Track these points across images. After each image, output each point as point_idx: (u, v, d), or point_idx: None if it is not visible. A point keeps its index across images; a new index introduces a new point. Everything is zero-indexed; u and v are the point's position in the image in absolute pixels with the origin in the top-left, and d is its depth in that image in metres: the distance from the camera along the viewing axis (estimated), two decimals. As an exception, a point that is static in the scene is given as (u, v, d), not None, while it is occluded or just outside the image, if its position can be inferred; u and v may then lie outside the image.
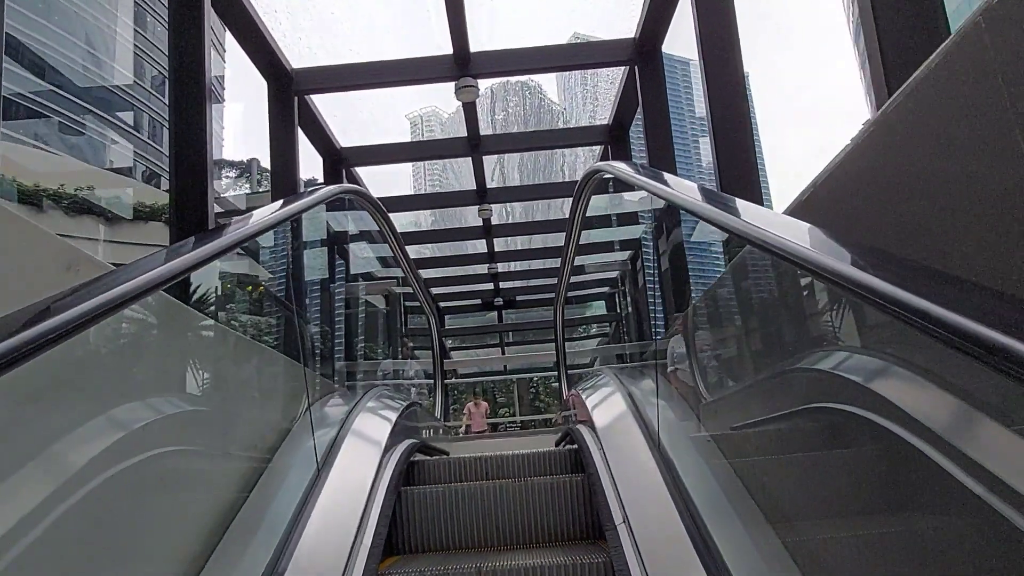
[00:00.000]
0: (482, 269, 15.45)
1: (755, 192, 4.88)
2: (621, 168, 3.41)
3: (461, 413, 15.87)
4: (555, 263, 17.15)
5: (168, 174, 5.05)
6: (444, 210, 14.20)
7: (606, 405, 3.70)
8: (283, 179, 7.18)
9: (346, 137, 9.31)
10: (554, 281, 19.09)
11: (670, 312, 6.32)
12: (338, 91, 7.74)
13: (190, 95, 5.10)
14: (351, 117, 9.10)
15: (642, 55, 7.27)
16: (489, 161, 10.94)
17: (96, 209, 22.48)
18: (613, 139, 9.23)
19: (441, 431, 6.02)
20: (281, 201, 3.22)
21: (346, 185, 4.21)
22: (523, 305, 21.05)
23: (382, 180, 13.89)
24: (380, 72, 7.52)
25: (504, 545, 3.21)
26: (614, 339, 12.18)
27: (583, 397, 4.27)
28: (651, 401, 3.31)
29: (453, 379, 16.09)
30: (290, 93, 7.28)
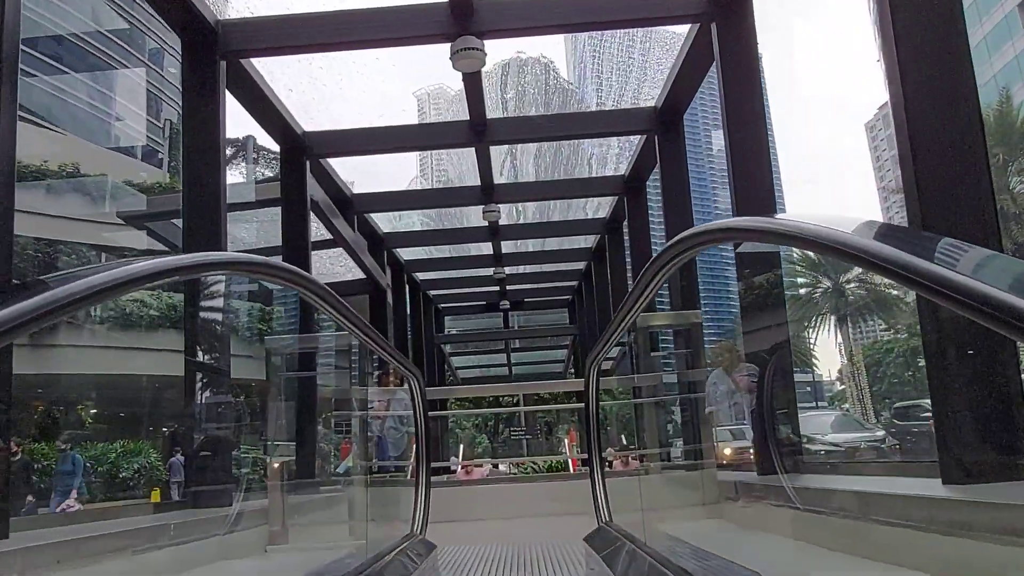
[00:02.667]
0: (486, 271, 13.26)
1: (992, 239, 2.64)
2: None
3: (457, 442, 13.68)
4: (573, 265, 14.98)
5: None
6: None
7: None
8: (199, 173, 4.96)
9: (311, 119, 7.08)
10: (571, 284, 16.95)
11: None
12: (283, 54, 5.50)
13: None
14: (317, 91, 6.86)
15: (722, 6, 5.01)
16: (497, 150, 8.69)
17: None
18: (662, 126, 6.97)
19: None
20: None
21: (202, 257, 1.89)
22: (532, 307, 18.90)
23: (374, 171, 11.60)
24: (343, 27, 5.27)
25: None
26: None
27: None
28: None
29: (452, 409, 13.89)
30: (212, 55, 5.04)
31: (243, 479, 5.58)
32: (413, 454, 8.80)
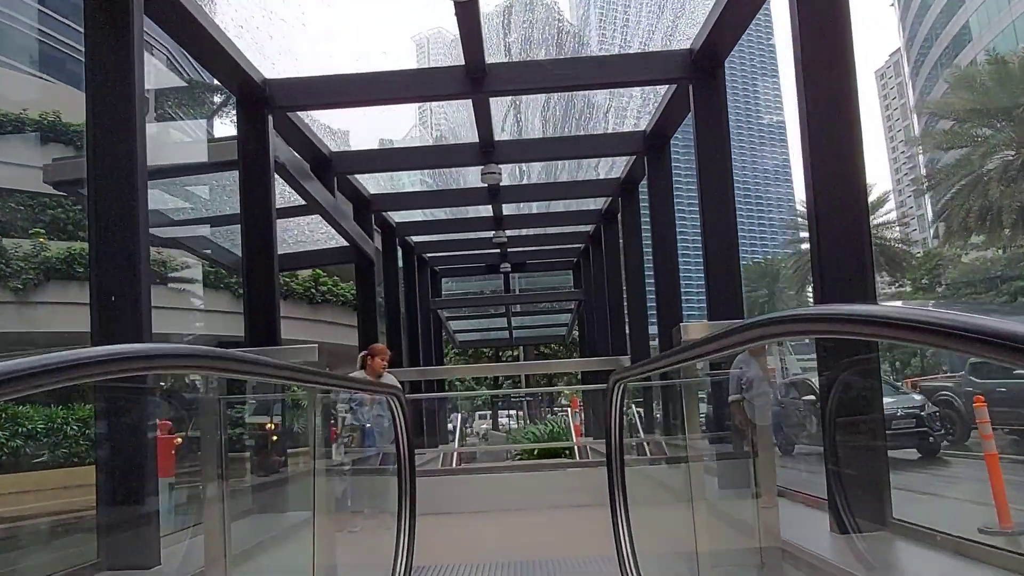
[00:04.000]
0: (486, 234, 12.09)
1: None
2: None
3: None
4: (581, 227, 13.75)
5: None
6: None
7: None
8: (108, 133, 3.77)
9: (273, 65, 5.84)
10: (578, 246, 15.65)
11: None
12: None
13: None
14: (275, 28, 5.61)
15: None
16: (498, 103, 7.45)
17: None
18: (698, 72, 5.73)
19: None
20: None
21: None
22: (535, 269, 17.76)
23: (365, 118, 10.35)
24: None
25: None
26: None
27: None
28: None
29: (453, 390, 12.84)
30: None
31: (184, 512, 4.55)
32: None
